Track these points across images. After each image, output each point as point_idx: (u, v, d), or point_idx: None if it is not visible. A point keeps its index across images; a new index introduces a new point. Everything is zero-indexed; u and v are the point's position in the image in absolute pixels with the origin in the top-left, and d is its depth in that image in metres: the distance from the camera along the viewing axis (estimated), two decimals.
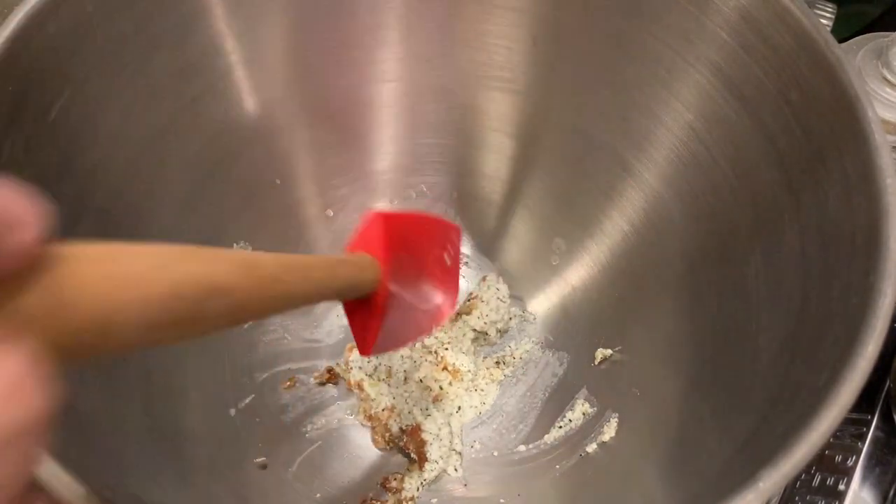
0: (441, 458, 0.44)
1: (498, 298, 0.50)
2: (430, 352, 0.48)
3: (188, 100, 0.41)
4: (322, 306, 0.50)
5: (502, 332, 0.50)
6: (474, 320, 0.49)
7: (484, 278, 0.51)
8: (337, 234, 0.50)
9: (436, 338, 0.49)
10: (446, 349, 0.48)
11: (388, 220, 0.30)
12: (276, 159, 0.47)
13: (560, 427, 0.45)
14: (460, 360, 0.48)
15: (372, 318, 0.30)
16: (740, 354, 0.35)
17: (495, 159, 0.50)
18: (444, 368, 0.48)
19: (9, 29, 0.32)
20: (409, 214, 0.34)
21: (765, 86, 0.34)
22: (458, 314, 0.49)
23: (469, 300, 0.50)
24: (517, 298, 0.51)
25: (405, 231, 0.32)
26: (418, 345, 0.48)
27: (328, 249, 0.50)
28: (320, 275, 0.25)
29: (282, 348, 0.48)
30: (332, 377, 0.48)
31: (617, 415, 0.43)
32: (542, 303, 0.51)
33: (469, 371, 0.48)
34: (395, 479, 0.44)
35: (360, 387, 0.47)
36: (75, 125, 0.35)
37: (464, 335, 0.49)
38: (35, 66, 0.33)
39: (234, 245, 0.45)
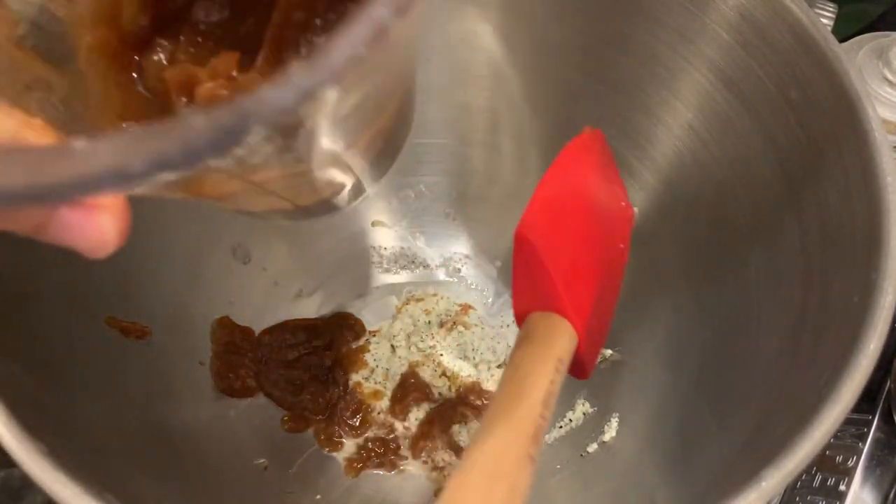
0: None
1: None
2: (426, 355, 0.48)
3: None
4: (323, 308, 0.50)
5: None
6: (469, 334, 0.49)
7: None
8: (338, 232, 0.50)
9: (431, 346, 0.49)
10: (441, 356, 0.48)
11: (549, 241, 0.28)
12: None
13: (561, 427, 0.45)
14: (458, 365, 0.48)
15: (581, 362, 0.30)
16: (741, 354, 0.35)
17: (495, 159, 0.50)
18: (443, 374, 0.47)
19: None
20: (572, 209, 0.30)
21: (765, 85, 0.34)
22: (454, 323, 0.49)
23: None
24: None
25: (575, 232, 0.30)
26: (414, 349, 0.48)
27: (328, 247, 0.50)
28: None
29: None
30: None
31: (617, 415, 0.43)
32: None
33: (470, 376, 0.47)
34: None
35: (356, 389, 0.47)
36: None
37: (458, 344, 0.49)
38: None
39: (234, 246, 0.45)
